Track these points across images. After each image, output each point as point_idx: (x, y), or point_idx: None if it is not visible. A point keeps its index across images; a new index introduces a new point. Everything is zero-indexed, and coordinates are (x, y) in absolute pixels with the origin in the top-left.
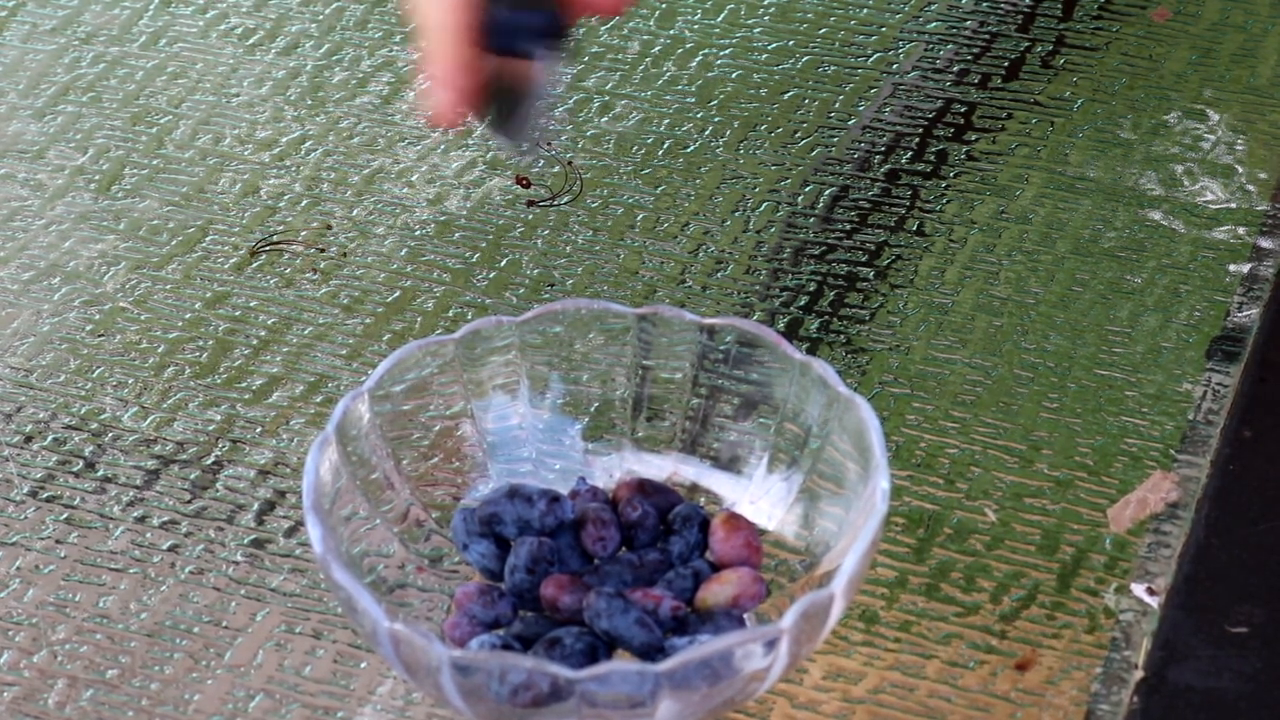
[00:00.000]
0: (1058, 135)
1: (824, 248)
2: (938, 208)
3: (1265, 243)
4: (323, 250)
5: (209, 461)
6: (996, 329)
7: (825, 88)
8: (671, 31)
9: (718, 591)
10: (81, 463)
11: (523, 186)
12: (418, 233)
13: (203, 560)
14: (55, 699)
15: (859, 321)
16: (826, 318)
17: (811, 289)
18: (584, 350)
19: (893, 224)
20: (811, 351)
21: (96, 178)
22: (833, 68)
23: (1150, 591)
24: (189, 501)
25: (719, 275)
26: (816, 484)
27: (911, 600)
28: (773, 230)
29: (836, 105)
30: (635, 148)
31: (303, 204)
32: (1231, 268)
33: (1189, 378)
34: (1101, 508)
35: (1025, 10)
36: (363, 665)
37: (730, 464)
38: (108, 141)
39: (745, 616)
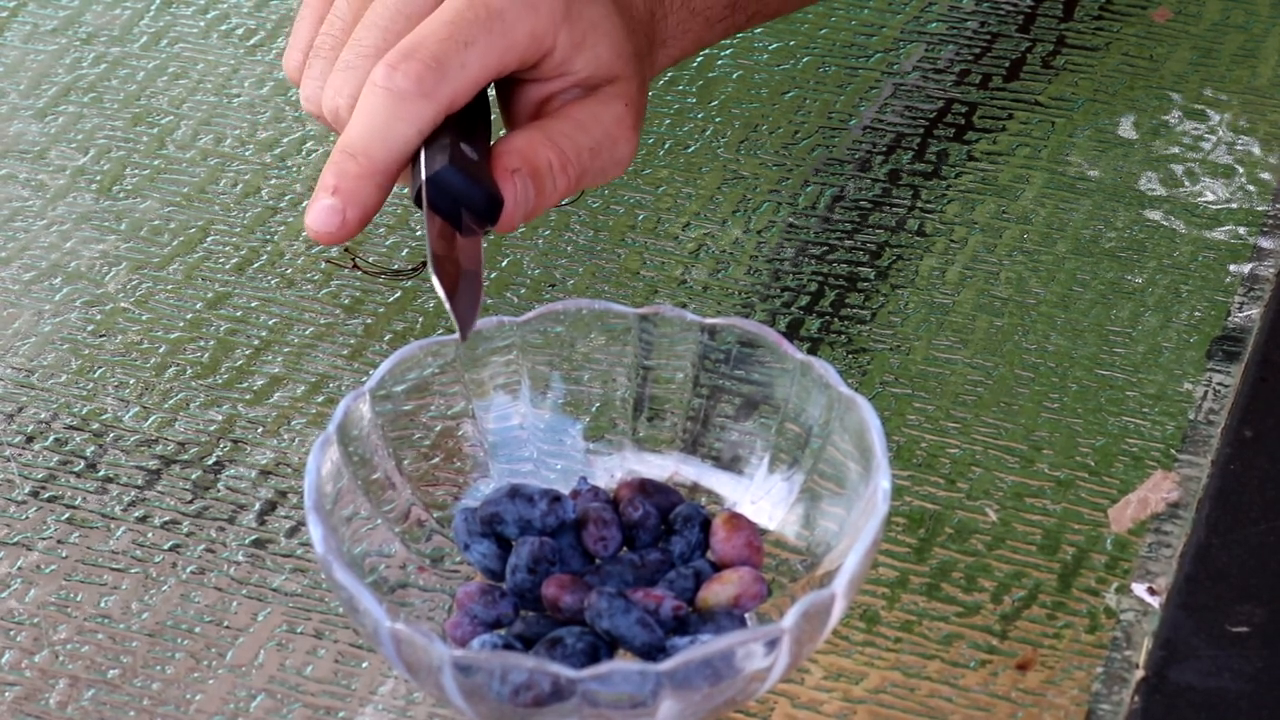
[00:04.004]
0: (1058, 135)
1: (825, 248)
2: (938, 208)
3: (1266, 243)
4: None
5: (210, 462)
6: (997, 329)
7: (826, 88)
8: None
9: (719, 591)
10: (83, 463)
11: None
12: (419, 233)
13: (204, 560)
14: (56, 699)
15: (860, 322)
16: (827, 318)
17: (812, 289)
18: (585, 350)
19: (893, 224)
20: (812, 351)
21: (98, 178)
22: (833, 68)
23: (1151, 591)
24: (190, 501)
25: (720, 275)
26: (817, 484)
27: (912, 600)
28: (774, 230)
29: (837, 106)
30: None
31: (304, 205)
32: (1232, 268)
33: (1190, 378)
34: (1102, 508)
35: (1026, 11)
36: (364, 665)
37: (731, 464)
38: (109, 142)
39: (746, 616)
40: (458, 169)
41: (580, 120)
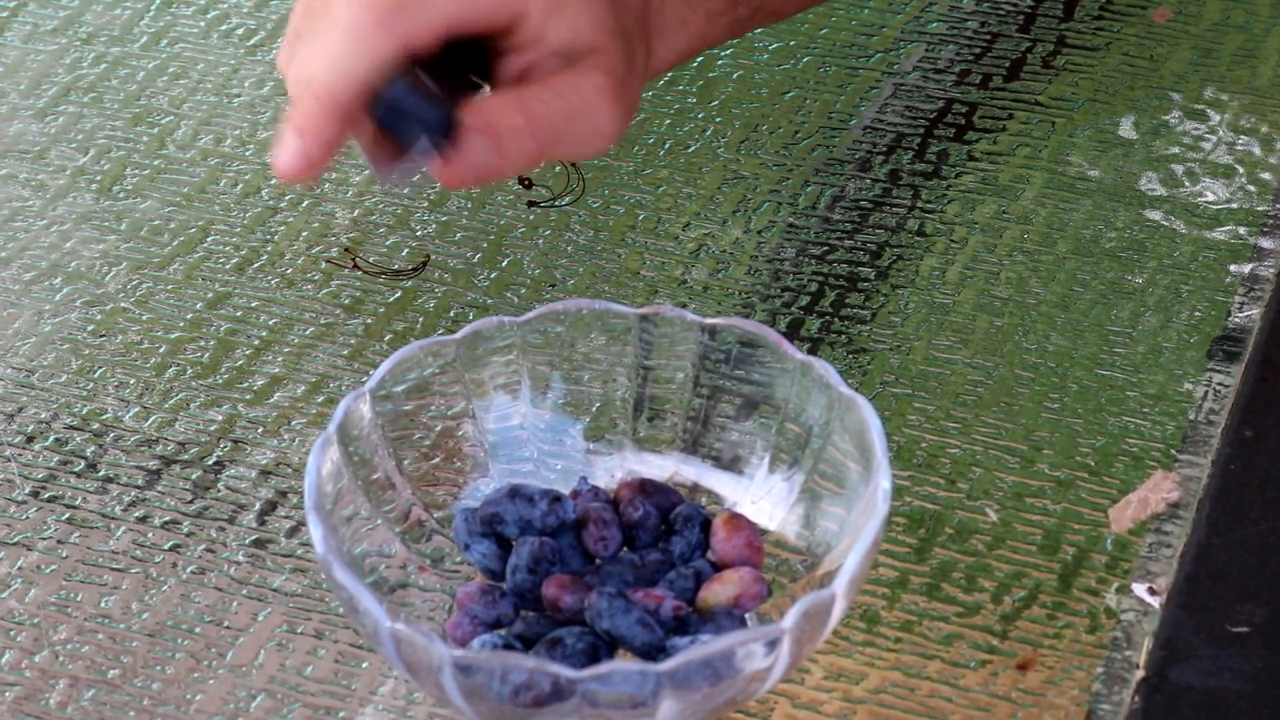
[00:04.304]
0: (1059, 135)
1: (825, 248)
2: (939, 208)
3: (1266, 243)
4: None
5: (210, 462)
6: (997, 329)
7: (826, 88)
8: None
9: (719, 591)
10: (83, 463)
11: (524, 187)
12: (419, 233)
13: (204, 560)
14: (57, 699)
15: (860, 322)
16: (828, 318)
17: (813, 289)
18: (585, 350)
19: (894, 224)
20: (813, 352)
21: (98, 178)
22: (834, 68)
23: (1151, 591)
24: (190, 501)
25: (720, 275)
26: (818, 484)
27: (913, 600)
28: (774, 230)
29: (837, 106)
30: (636, 148)
31: (304, 204)
32: (1232, 268)
33: (1190, 378)
34: (1103, 508)
35: (1026, 11)
36: (364, 665)
37: (731, 464)
38: (109, 142)
39: (747, 616)
40: (413, 89)
41: (556, 87)
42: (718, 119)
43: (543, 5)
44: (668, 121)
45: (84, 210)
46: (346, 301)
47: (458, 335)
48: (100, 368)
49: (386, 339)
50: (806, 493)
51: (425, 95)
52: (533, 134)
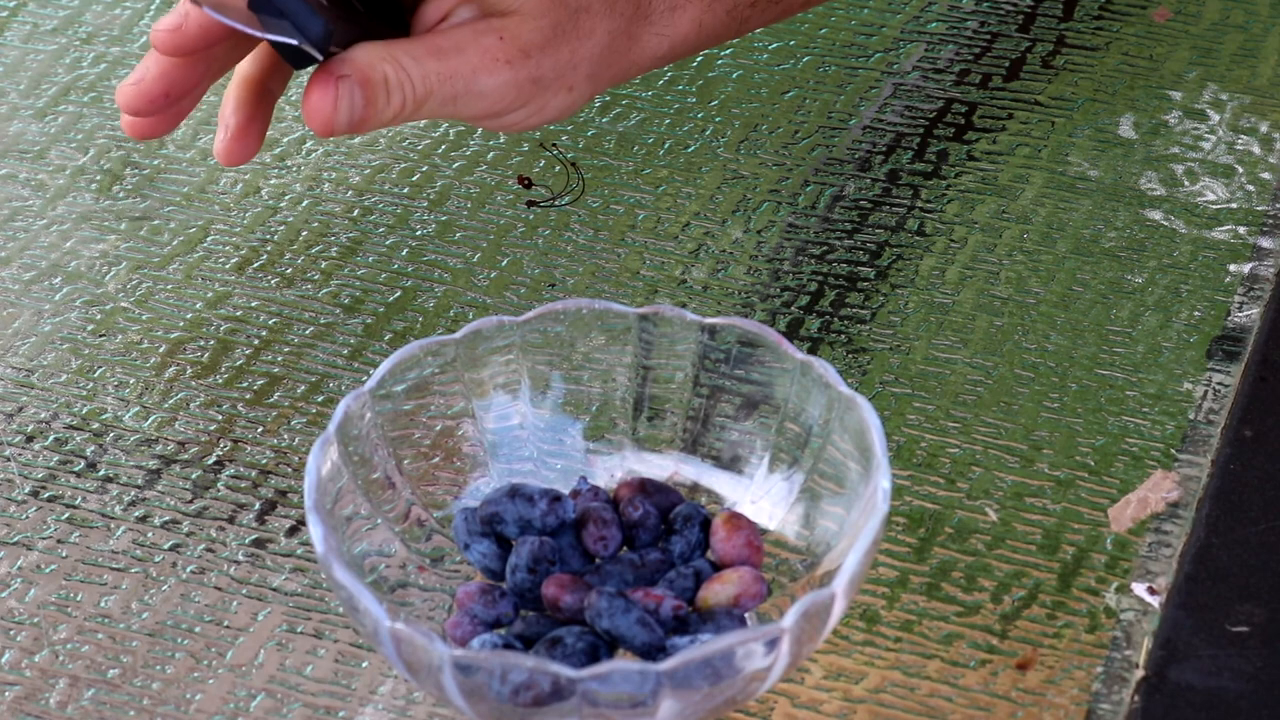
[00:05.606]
0: (1058, 135)
1: (825, 248)
2: (938, 208)
3: (1266, 242)
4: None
5: (210, 461)
6: (997, 329)
7: (826, 88)
8: None
9: (719, 591)
10: (83, 462)
11: (524, 186)
12: (419, 233)
13: (204, 560)
14: (56, 699)
15: (860, 321)
16: (827, 317)
17: (812, 289)
18: (585, 350)
19: (893, 224)
20: (812, 351)
21: (98, 178)
22: (833, 68)
23: (1151, 591)
24: (190, 501)
25: (720, 275)
26: (817, 483)
27: (912, 600)
28: (773, 230)
29: (837, 105)
30: (636, 147)
31: (304, 204)
32: (1232, 267)
33: (1190, 377)
34: (1102, 507)
35: (1026, 10)
36: (364, 665)
37: (731, 464)
38: (109, 142)
39: (746, 616)
40: None
41: (439, 45)
42: (717, 119)
43: None
44: (668, 121)
45: (84, 210)
46: (346, 301)
47: (457, 335)
48: (100, 367)
49: (386, 339)
50: (806, 492)
51: (314, 4)
52: (400, 87)
